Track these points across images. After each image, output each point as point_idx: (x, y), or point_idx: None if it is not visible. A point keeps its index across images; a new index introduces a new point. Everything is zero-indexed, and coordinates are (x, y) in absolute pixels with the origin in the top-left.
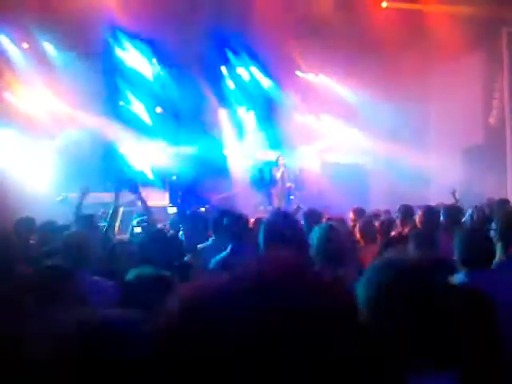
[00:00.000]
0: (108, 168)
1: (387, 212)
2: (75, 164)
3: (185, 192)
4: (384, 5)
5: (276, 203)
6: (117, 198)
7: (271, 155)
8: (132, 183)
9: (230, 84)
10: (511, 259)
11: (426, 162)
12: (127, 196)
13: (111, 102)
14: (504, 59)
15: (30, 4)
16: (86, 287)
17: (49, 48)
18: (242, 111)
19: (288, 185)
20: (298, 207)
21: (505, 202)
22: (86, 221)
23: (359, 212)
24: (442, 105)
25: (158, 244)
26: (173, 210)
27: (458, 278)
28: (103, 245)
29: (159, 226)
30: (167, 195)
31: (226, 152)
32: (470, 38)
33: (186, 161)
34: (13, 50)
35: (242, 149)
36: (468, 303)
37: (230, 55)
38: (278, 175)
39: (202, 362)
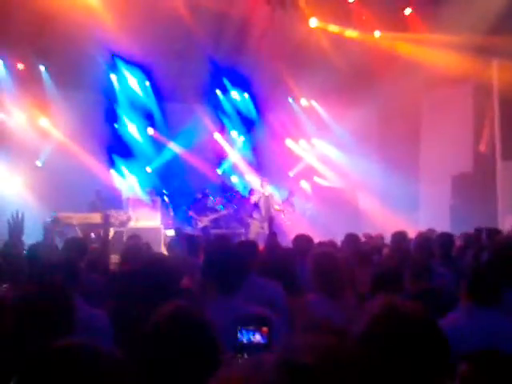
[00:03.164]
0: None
1: (380, 237)
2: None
3: (176, 211)
4: (377, 35)
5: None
6: (106, 219)
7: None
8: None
9: (225, 108)
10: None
11: (416, 187)
12: (119, 216)
13: (105, 126)
14: (494, 89)
15: (28, 28)
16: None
17: (44, 71)
18: (234, 134)
19: (276, 208)
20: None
21: (495, 232)
22: (74, 244)
23: (351, 238)
24: (433, 132)
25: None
26: (171, 233)
27: (459, 314)
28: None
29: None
30: (159, 215)
31: (218, 171)
32: (461, 67)
33: (176, 180)
34: (2, 70)
35: (233, 170)
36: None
37: (225, 81)
38: (257, 199)
39: None
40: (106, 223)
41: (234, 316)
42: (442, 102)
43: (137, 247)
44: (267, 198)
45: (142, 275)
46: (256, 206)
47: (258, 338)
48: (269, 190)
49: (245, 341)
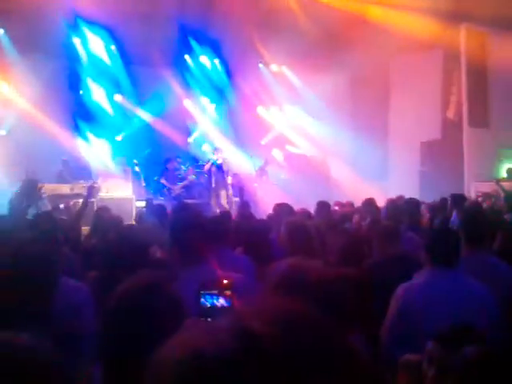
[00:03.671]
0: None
1: (350, 204)
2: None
3: (148, 181)
4: None
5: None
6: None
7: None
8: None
9: (194, 73)
10: (473, 256)
11: (385, 154)
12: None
13: (71, 92)
14: (462, 55)
15: None
16: None
17: (2, 34)
18: (204, 101)
19: (229, 179)
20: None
21: (461, 197)
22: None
23: (323, 206)
24: (401, 99)
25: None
26: (141, 204)
27: (421, 275)
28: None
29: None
30: (130, 186)
31: (189, 140)
32: (429, 32)
33: (147, 149)
34: None
35: (204, 139)
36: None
37: (194, 44)
38: (209, 167)
39: None
40: (90, 195)
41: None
42: (411, 67)
43: (106, 220)
44: (220, 168)
45: (113, 248)
46: (209, 174)
47: (221, 301)
48: (222, 158)
49: (208, 305)
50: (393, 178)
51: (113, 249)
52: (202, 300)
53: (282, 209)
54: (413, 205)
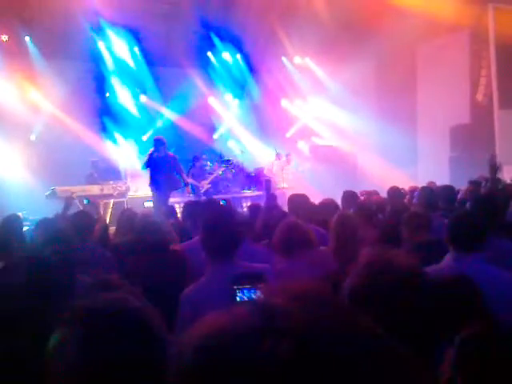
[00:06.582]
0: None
1: (375, 193)
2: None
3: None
4: None
5: None
6: None
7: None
8: None
9: (217, 70)
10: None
11: (414, 141)
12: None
13: (97, 94)
14: (490, 35)
15: None
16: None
17: (29, 41)
18: (229, 97)
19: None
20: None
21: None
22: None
23: (350, 195)
24: (429, 84)
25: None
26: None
27: (445, 260)
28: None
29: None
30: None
31: (214, 136)
32: (454, 14)
33: (173, 147)
34: None
35: (229, 135)
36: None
37: (216, 41)
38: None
39: None
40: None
41: (228, 277)
42: (437, 51)
43: (130, 218)
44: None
45: (136, 240)
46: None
47: (258, 295)
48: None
49: (246, 299)
50: (422, 164)
51: (132, 243)
52: (239, 295)
53: (296, 200)
54: (449, 192)
